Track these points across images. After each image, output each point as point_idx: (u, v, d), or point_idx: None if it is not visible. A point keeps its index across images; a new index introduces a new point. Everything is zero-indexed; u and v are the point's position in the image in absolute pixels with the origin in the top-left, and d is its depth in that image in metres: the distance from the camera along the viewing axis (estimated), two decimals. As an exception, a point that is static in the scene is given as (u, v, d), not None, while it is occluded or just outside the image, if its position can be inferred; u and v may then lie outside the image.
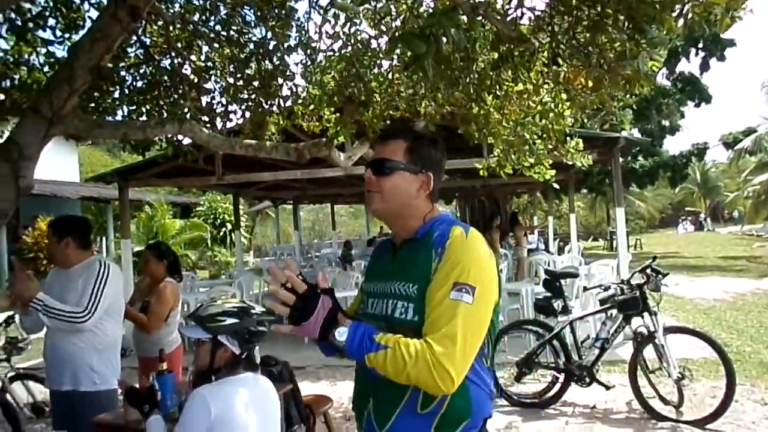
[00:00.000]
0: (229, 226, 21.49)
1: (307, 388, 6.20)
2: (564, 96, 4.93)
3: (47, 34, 6.03)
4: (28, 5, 5.56)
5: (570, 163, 6.33)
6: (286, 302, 1.55)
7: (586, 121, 12.66)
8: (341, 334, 1.54)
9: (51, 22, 6.16)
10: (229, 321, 2.50)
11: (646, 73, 3.08)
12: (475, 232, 1.70)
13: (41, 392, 5.16)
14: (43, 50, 6.28)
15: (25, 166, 3.69)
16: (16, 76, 6.19)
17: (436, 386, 1.52)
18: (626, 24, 2.92)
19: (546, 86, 4.89)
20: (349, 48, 5.49)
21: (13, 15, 5.96)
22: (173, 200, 22.76)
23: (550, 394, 5.70)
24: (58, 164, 18.65)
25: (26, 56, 6.43)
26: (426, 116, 6.07)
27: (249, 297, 10.20)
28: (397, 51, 3.76)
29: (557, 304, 5.83)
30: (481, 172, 6.42)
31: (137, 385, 3.03)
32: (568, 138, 5.98)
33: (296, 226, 20.81)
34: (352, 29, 5.25)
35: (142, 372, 4.27)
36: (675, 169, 25.56)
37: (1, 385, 4.97)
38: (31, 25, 6.06)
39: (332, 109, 6.35)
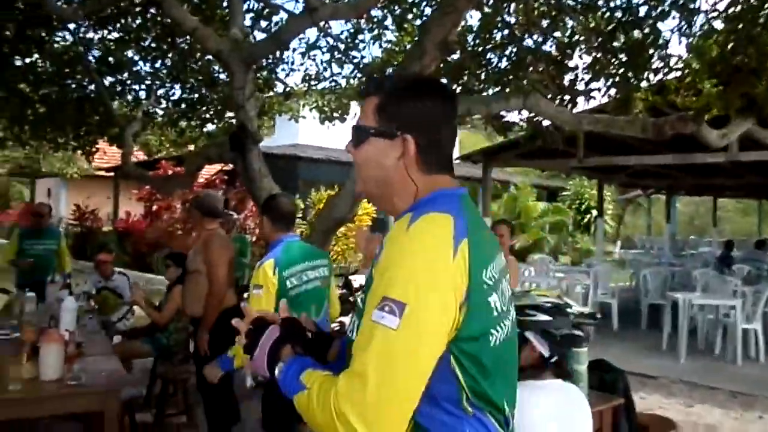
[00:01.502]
0: (594, 213, 20.72)
1: (655, 403, 5.46)
2: None
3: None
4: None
5: None
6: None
7: None
8: (280, 370, 1.22)
9: (427, 11, 6.67)
10: (541, 317, 2.21)
11: None
12: (430, 219, 1.15)
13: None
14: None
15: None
16: (395, 63, 6.92)
17: None
18: None
19: None
20: (739, 7, 4.53)
21: (396, 7, 6.63)
22: (539, 183, 22.97)
23: None
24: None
25: (405, 45, 7.15)
26: None
27: (604, 290, 9.54)
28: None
29: None
30: None
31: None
32: None
33: (668, 219, 18.98)
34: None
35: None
36: None
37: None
38: (410, 16, 6.66)
39: (714, 81, 5.39)
